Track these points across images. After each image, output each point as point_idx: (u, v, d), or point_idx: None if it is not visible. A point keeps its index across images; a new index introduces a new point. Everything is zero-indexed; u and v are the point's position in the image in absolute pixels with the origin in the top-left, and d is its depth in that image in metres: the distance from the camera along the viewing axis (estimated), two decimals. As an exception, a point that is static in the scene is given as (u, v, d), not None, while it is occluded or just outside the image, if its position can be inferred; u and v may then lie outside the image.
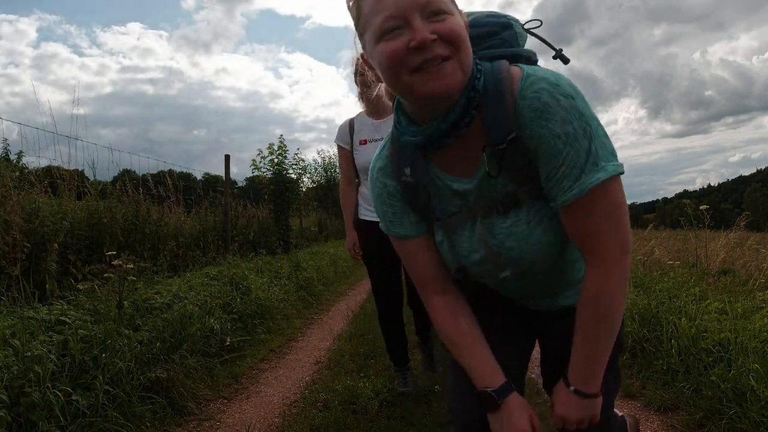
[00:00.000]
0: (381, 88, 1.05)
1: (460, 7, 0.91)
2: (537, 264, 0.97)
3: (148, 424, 2.24)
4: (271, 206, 8.71)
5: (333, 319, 4.90)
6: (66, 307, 2.62)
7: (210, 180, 10.05)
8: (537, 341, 1.24)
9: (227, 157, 7.11)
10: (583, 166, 0.84)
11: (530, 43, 1.10)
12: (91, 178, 4.60)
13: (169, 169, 6.77)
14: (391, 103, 1.02)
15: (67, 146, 4.44)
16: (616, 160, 0.86)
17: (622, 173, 0.87)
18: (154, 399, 2.38)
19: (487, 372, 1.01)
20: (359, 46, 0.95)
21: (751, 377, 2.05)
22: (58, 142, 4.27)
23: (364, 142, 2.55)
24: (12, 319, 2.31)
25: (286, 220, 8.80)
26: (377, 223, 1.16)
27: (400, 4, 0.82)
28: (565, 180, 0.85)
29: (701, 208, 4.63)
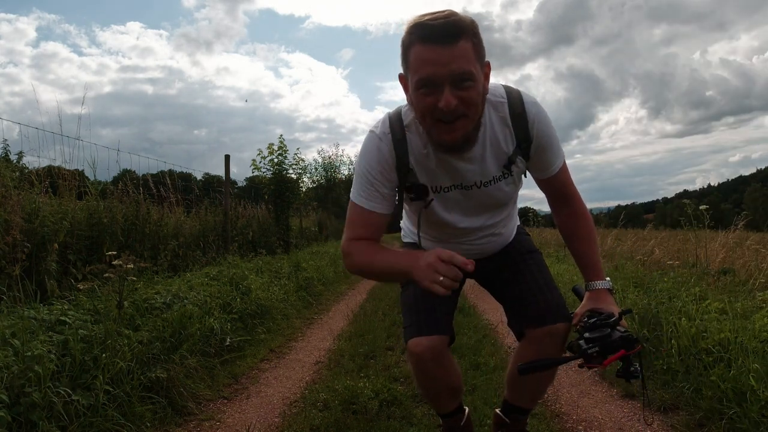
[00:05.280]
0: None
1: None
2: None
3: (148, 424, 2.24)
4: (271, 206, 8.71)
5: (333, 319, 4.90)
6: (66, 307, 2.61)
7: (210, 180, 10.05)
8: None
9: (227, 157, 7.11)
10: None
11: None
12: (92, 178, 4.60)
13: (169, 169, 6.77)
14: None
15: (68, 146, 4.43)
16: None
17: None
18: (154, 399, 2.38)
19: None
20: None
21: (751, 377, 2.05)
22: (59, 142, 4.27)
23: None
24: (12, 319, 2.30)
25: (286, 220, 8.80)
26: None
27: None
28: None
29: (701, 208, 4.63)
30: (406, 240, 1.73)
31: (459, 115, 1.15)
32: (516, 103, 1.30)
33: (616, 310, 1.33)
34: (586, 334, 1.24)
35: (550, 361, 1.33)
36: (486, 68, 1.21)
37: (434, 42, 1.10)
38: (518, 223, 1.70)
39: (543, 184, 1.46)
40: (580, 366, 1.25)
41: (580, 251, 1.47)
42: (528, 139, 1.32)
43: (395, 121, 1.33)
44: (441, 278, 1.10)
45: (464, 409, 1.73)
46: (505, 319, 1.64)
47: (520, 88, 1.35)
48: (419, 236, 1.61)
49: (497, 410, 1.72)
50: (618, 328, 1.24)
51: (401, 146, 1.31)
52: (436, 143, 1.25)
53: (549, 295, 1.49)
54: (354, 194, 1.37)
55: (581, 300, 1.45)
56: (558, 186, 1.45)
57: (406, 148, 1.31)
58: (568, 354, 1.33)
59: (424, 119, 1.20)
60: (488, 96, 1.26)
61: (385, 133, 1.33)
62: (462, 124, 1.18)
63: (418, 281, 1.14)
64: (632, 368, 1.23)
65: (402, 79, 1.25)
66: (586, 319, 1.29)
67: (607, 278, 1.43)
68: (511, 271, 1.58)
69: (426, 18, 1.13)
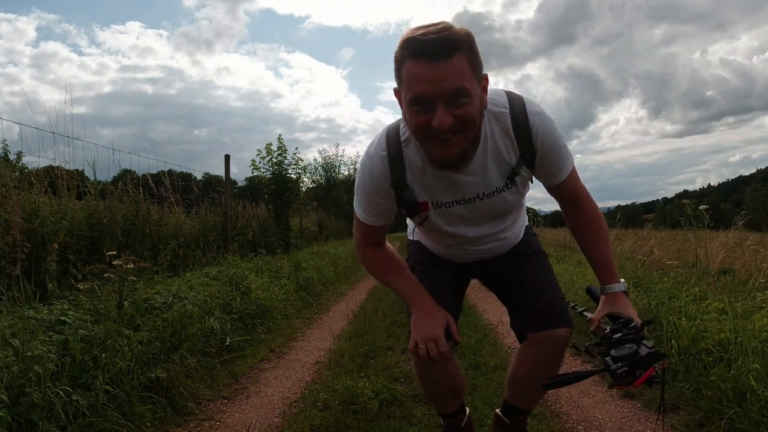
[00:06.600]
0: None
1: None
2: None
3: (148, 424, 2.24)
4: (271, 206, 8.72)
5: (333, 319, 4.91)
6: (66, 307, 2.61)
7: (210, 180, 10.04)
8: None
9: (227, 157, 7.11)
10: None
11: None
12: (92, 178, 4.60)
13: (169, 169, 6.76)
14: None
15: (68, 146, 4.43)
16: None
17: None
18: (154, 399, 2.38)
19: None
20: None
21: (751, 377, 2.05)
22: (58, 141, 4.27)
23: None
24: (12, 319, 2.31)
25: (286, 220, 8.80)
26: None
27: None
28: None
29: (700, 208, 4.63)
30: (411, 238, 1.71)
31: (455, 131, 1.12)
32: (518, 113, 1.26)
33: (633, 313, 1.31)
34: (613, 352, 1.20)
35: (575, 375, 1.28)
36: (483, 81, 1.17)
37: (427, 58, 1.06)
38: (526, 223, 1.67)
39: (552, 190, 1.42)
40: (610, 387, 1.23)
41: (593, 254, 1.44)
42: (532, 150, 1.28)
43: (392, 136, 1.31)
44: (425, 348, 1.30)
45: (465, 410, 1.73)
46: (505, 319, 1.65)
47: (523, 94, 1.31)
48: (414, 232, 1.65)
49: (497, 410, 1.72)
50: (644, 342, 1.20)
51: (397, 163, 1.30)
52: (431, 159, 1.23)
53: (552, 298, 1.48)
54: (355, 205, 1.43)
55: (596, 302, 1.43)
56: (567, 191, 1.41)
57: (403, 165, 1.30)
58: (589, 366, 1.31)
59: (417, 136, 1.18)
60: (489, 106, 1.23)
61: (379, 153, 1.32)
62: (458, 140, 1.14)
63: (412, 330, 1.36)
64: (653, 374, 1.19)
65: (397, 93, 1.22)
66: (607, 330, 1.26)
67: (622, 280, 1.40)
68: (515, 272, 1.57)
69: (419, 32, 1.08)
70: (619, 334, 1.22)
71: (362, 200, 1.39)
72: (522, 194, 1.43)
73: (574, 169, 1.39)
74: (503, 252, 1.59)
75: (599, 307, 1.39)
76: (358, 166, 1.42)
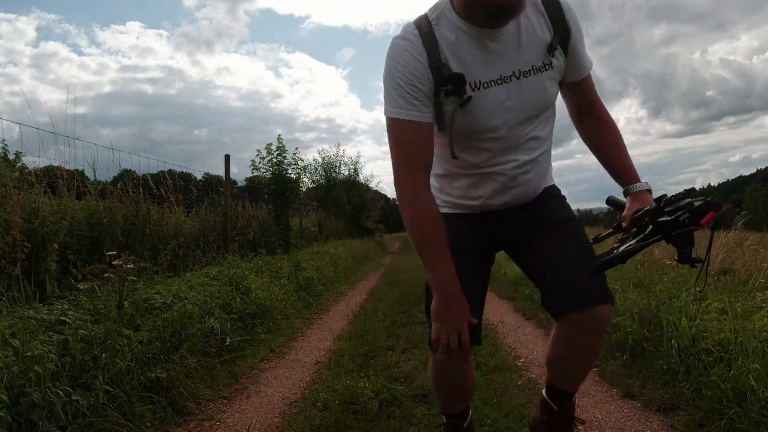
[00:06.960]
0: None
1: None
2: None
3: (148, 424, 2.24)
4: (271, 206, 8.72)
5: (333, 319, 4.91)
6: (66, 307, 2.61)
7: (210, 180, 10.04)
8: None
9: (227, 157, 7.10)
10: None
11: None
12: (92, 178, 4.60)
13: (169, 169, 6.76)
14: None
15: (67, 146, 4.44)
16: None
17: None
18: (154, 399, 2.38)
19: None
20: None
21: (751, 377, 2.05)
22: (58, 141, 4.27)
23: None
24: (12, 319, 2.31)
25: (286, 220, 8.80)
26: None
27: None
28: None
29: (701, 208, 4.62)
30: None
31: None
32: None
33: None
34: (668, 209, 1.19)
35: (628, 251, 1.19)
36: None
37: None
38: (554, 182, 1.55)
39: (572, 89, 1.42)
40: (668, 240, 1.18)
41: (612, 158, 1.43)
42: (565, 26, 1.30)
43: (421, 19, 1.29)
44: (446, 338, 1.27)
45: (469, 411, 1.72)
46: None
47: None
48: (443, 178, 1.47)
49: (543, 393, 1.58)
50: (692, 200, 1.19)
51: (431, 40, 1.25)
52: (480, 6, 1.19)
53: (587, 272, 1.30)
54: (389, 110, 1.27)
55: (619, 208, 1.40)
56: (586, 91, 1.42)
57: (436, 42, 1.25)
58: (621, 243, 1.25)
59: None
60: None
61: (410, 31, 1.27)
62: None
63: (440, 321, 1.29)
64: (694, 256, 1.17)
65: None
66: (650, 207, 1.23)
67: (643, 180, 1.39)
68: (546, 241, 1.42)
69: None
70: (667, 198, 1.23)
71: (397, 90, 1.25)
72: (557, 89, 1.38)
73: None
74: (529, 194, 1.44)
75: (627, 206, 1.37)
76: (385, 61, 1.29)
